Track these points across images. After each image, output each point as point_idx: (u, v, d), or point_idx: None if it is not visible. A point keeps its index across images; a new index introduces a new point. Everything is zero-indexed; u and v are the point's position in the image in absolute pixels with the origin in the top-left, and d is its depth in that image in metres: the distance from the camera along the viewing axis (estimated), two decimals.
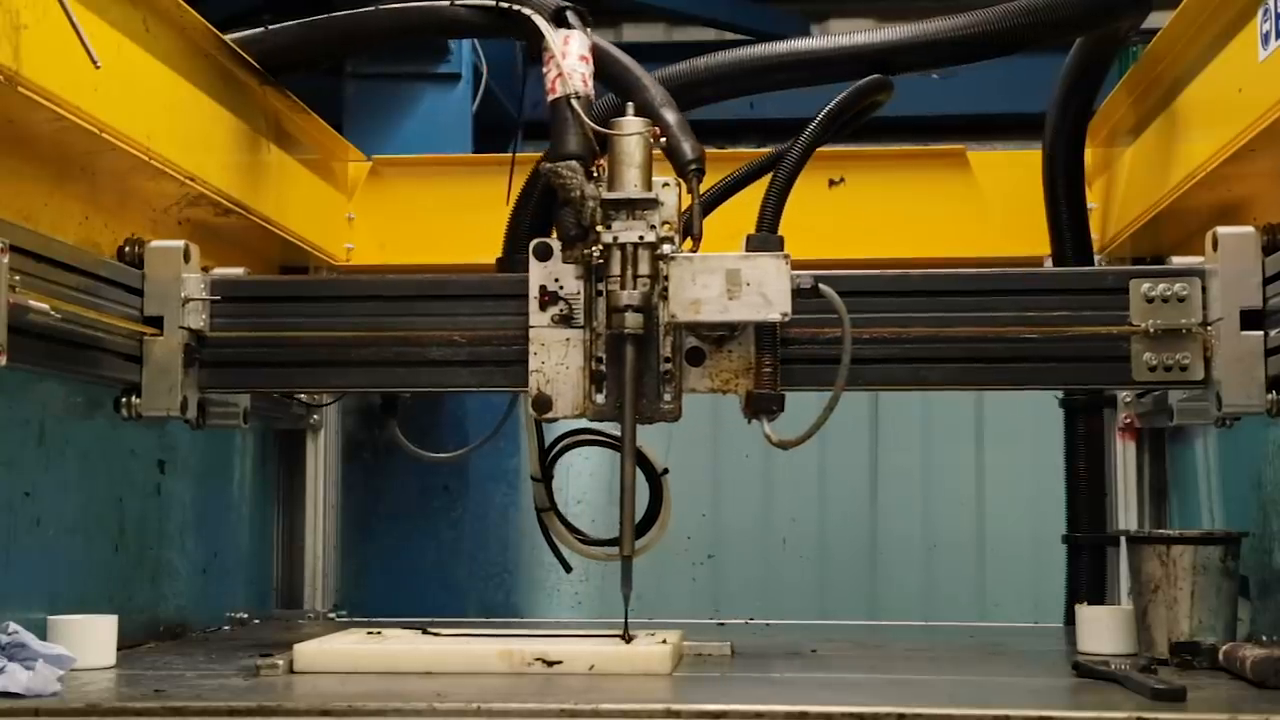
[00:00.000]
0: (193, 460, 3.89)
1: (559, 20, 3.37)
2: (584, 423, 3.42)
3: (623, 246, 3.17)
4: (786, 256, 3.16)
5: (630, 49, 3.53)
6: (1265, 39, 3.03)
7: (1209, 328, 3.21)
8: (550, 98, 3.27)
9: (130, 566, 3.55)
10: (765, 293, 3.13)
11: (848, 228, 4.47)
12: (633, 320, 3.16)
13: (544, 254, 3.28)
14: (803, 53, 3.68)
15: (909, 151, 4.81)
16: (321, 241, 4.39)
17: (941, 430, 5.19)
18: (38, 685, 2.54)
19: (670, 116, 3.31)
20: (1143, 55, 3.79)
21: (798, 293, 3.15)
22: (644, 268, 3.17)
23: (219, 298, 3.40)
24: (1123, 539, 3.84)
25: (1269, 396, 3.11)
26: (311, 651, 2.99)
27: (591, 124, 3.22)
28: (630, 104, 3.30)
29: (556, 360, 3.27)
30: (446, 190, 4.69)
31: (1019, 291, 3.32)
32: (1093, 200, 4.28)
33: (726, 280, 3.14)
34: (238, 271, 3.54)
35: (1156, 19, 3.66)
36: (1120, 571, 4.14)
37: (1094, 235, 4.18)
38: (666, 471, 3.56)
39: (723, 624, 4.19)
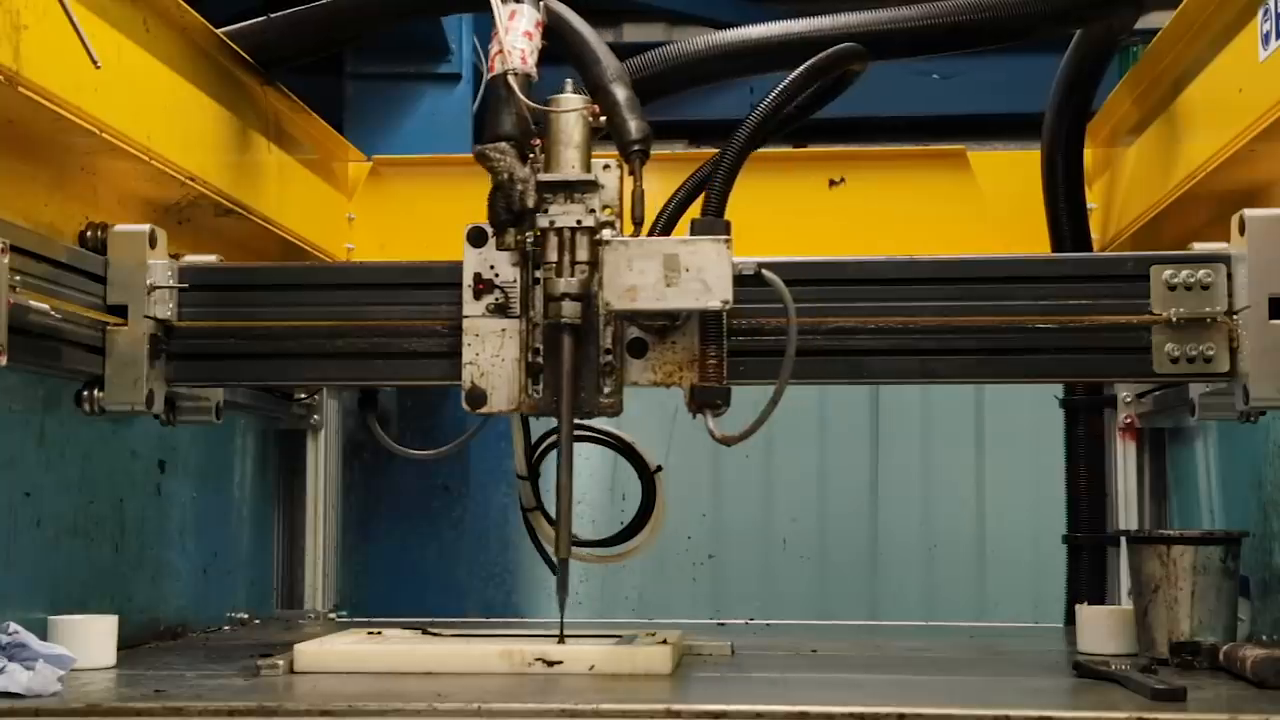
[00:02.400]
0: (193, 460, 3.89)
1: None
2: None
3: (559, 231, 3.02)
4: (729, 241, 2.97)
5: (630, 49, 3.50)
6: (1265, 39, 3.03)
7: (1235, 316, 2.99)
8: (488, 75, 3.10)
9: (130, 566, 3.55)
10: (705, 279, 2.94)
11: (848, 228, 4.46)
12: (570, 309, 3.00)
13: (478, 239, 3.11)
14: (790, 35, 3.60)
15: (909, 151, 4.81)
16: (322, 241, 4.39)
17: (941, 430, 5.18)
18: (38, 685, 2.54)
19: (619, 93, 3.11)
20: (1143, 55, 3.79)
21: (740, 280, 2.96)
22: (582, 254, 3.01)
23: (187, 286, 3.22)
24: (1123, 539, 3.83)
25: None
26: (312, 651, 2.99)
27: (529, 102, 3.05)
28: (569, 80, 3.13)
29: (492, 352, 3.10)
30: (446, 190, 4.68)
31: (1033, 279, 3.12)
32: (1093, 200, 4.28)
33: (664, 266, 2.94)
34: (209, 258, 3.36)
35: (1157, 19, 3.66)
36: (1120, 571, 4.14)
37: (1094, 235, 4.19)
38: (660, 469, 3.46)
39: (723, 624, 4.18)
